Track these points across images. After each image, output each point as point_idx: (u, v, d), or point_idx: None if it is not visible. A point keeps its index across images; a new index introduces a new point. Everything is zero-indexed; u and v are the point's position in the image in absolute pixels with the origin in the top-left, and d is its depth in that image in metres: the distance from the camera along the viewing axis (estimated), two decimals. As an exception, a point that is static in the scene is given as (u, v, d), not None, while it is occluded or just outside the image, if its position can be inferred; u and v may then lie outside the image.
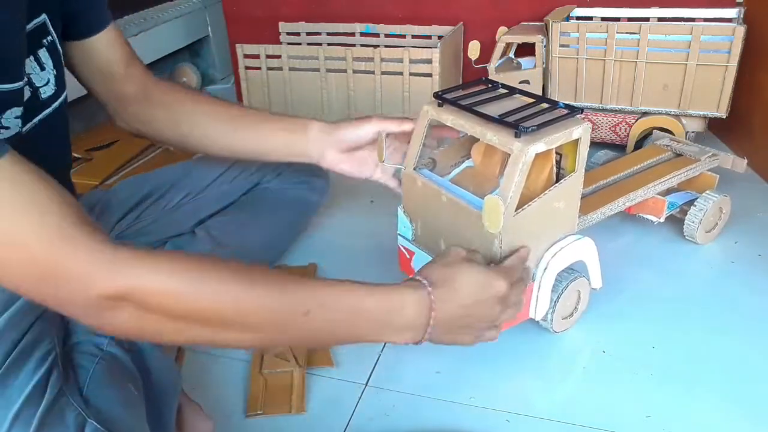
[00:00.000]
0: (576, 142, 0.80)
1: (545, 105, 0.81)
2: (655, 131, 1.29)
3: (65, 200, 0.53)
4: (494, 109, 0.80)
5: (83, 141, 1.50)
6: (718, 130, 1.48)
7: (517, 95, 0.86)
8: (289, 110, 1.59)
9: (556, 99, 0.84)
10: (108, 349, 0.67)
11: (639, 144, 1.36)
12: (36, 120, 0.69)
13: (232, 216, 1.01)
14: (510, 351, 0.90)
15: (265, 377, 0.86)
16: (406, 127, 0.89)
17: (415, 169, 0.87)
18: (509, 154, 0.75)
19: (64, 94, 0.74)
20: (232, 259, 0.58)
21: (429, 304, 0.65)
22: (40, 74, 0.69)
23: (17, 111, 0.63)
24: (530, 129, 0.74)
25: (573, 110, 0.80)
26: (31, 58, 0.68)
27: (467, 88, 0.87)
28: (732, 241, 1.12)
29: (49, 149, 0.72)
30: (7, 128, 0.63)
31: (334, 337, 0.66)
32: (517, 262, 0.76)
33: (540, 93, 1.36)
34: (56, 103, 0.72)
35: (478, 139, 0.84)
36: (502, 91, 0.87)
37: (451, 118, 0.82)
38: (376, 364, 0.89)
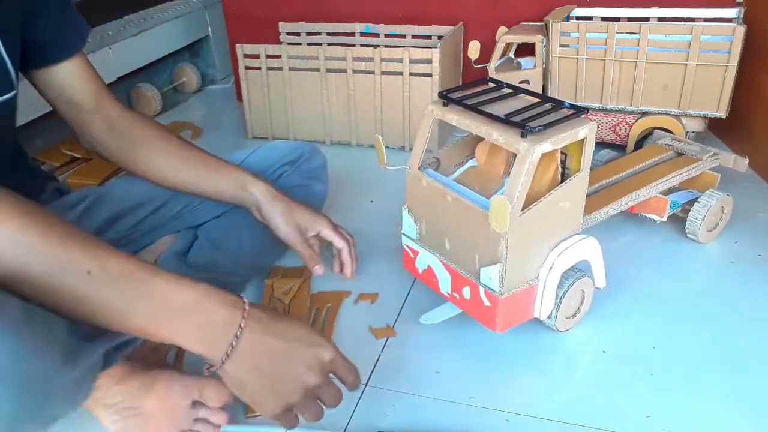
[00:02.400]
0: (581, 141, 0.80)
1: (550, 105, 0.82)
2: (656, 130, 1.30)
3: None
4: (499, 109, 0.80)
5: (82, 140, 1.49)
6: (718, 130, 1.48)
7: (522, 95, 0.86)
8: (289, 110, 1.59)
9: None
10: None
11: (639, 144, 1.36)
12: None
13: (231, 219, 1.02)
14: (509, 351, 0.90)
15: (268, 377, 0.85)
16: (339, 243, 0.99)
17: (419, 168, 0.87)
18: (514, 154, 0.75)
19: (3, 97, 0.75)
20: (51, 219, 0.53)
21: (239, 322, 0.57)
22: None
23: None
24: (537, 129, 0.74)
25: (578, 110, 0.80)
26: None
27: (472, 88, 0.87)
28: (732, 241, 1.13)
29: None
30: None
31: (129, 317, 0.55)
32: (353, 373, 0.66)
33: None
34: None
35: (482, 139, 0.84)
36: (507, 90, 0.87)
37: (456, 117, 0.82)
38: (376, 364, 0.89)
